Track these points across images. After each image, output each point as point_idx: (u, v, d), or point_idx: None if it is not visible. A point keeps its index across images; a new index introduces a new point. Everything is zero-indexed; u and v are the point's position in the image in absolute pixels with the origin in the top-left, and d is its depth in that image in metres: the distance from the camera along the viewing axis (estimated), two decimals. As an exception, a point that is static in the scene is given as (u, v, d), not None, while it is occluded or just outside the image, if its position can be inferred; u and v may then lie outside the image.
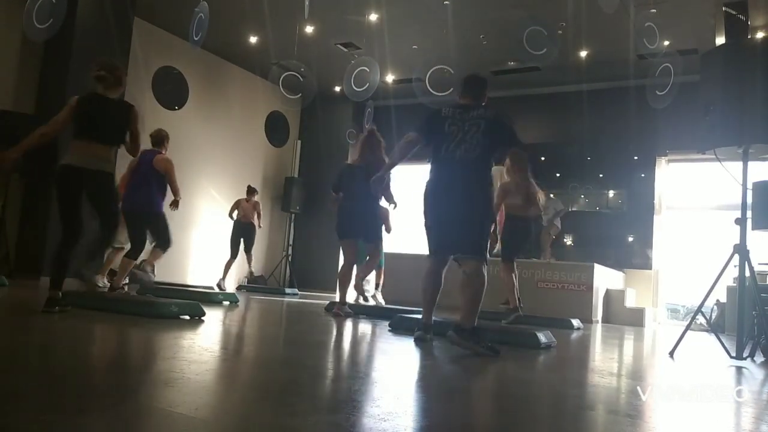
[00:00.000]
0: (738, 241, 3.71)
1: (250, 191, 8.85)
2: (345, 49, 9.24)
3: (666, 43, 7.78)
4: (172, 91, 9.29)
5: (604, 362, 3.60)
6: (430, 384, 2.23)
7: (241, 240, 8.39)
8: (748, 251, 3.70)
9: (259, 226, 8.72)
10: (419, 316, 4.21)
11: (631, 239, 9.44)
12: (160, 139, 5.59)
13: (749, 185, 3.85)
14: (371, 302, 6.57)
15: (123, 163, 4.77)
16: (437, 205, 3.37)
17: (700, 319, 4.36)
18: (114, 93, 3.73)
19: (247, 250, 8.47)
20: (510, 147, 4.23)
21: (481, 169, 3.31)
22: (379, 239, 5.48)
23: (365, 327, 4.36)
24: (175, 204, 5.33)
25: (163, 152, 5.59)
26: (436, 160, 3.38)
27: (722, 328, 7.22)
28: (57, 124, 3.69)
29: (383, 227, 5.78)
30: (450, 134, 3.31)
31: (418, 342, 3.37)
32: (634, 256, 9.31)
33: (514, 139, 3.54)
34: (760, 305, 3.78)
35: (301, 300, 7.56)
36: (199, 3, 6.32)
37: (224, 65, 10.34)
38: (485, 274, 3.18)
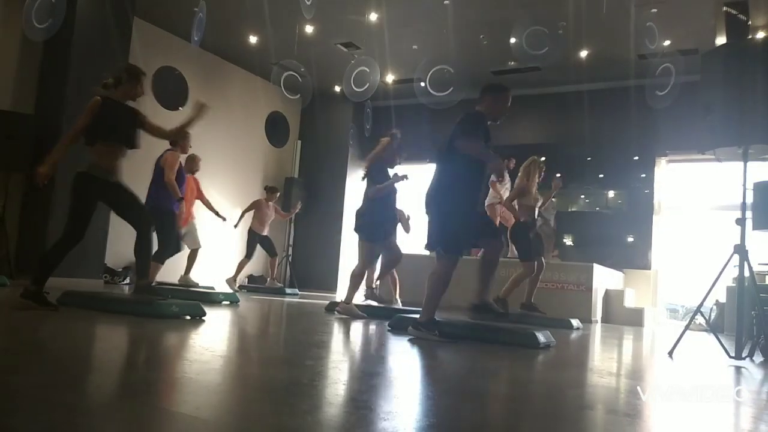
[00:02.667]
0: (738, 242, 3.72)
1: (272, 190, 8.87)
2: (345, 49, 9.25)
3: (666, 43, 7.79)
4: (172, 92, 9.30)
5: (604, 362, 3.60)
6: (429, 384, 2.23)
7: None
8: (747, 251, 3.71)
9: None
10: (418, 316, 4.23)
11: (630, 239, 9.44)
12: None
13: (749, 185, 3.86)
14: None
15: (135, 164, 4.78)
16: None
17: (700, 319, 4.37)
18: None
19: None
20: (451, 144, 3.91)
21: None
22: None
23: (365, 327, 4.36)
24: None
25: (177, 151, 5.71)
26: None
27: (721, 328, 7.23)
28: None
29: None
30: None
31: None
32: (633, 256, 9.32)
33: (454, 138, 3.71)
34: (759, 305, 3.79)
35: (301, 300, 7.57)
36: (199, 3, 6.33)
37: (224, 65, 10.35)
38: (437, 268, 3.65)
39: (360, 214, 5.32)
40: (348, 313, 5.12)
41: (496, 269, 3.89)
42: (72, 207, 3.79)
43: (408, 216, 6.76)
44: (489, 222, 4.11)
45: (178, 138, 5.59)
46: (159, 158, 5.69)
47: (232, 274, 8.32)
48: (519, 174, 6.05)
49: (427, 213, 3.83)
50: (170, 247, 5.61)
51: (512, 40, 6.69)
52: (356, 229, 5.30)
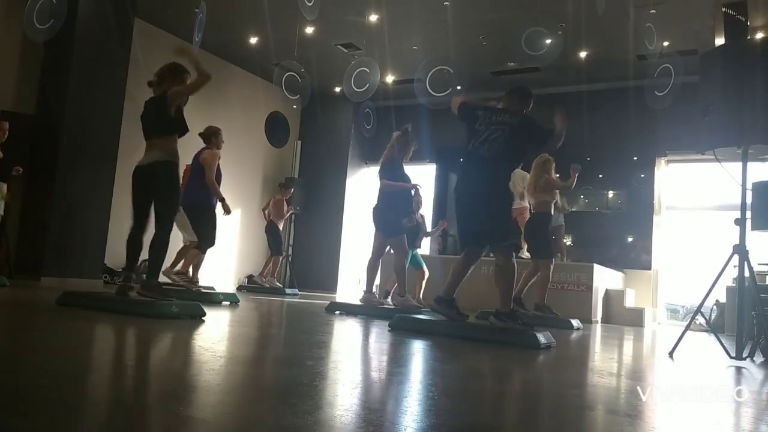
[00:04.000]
0: (737, 242, 3.72)
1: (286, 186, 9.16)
2: (345, 50, 9.25)
3: (666, 43, 7.79)
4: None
5: (604, 362, 3.60)
6: (430, 384, 2.23)
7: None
8: (747, 251, 3.71)
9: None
10: (419, 317, 4.26)
11: (630, 239, 9.44)
12: (207, 135, 5.88)
13: (749, 185, 3.86)
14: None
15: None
16: (457, 200, 3.98)
17: (700, 320, 4.37)
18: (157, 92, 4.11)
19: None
20: (541, 145, 4.29)
21: (496, 168, 3.86)
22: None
23: (365, 327, 4.36)
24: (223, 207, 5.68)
25: (213, 148, 5.85)
26: (464, 155, 3.99)
27: (722, 328, 7.23)
28: None
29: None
30: (478, 132, 3.89)
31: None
32: (633, 257, 9.32)
33: (544, 137, 3.97)
34: (759, 305, 3.79)
35: (301, 300, 7.57)
36: (200, 4, 6.33)
37: (225, 66, 10.34)
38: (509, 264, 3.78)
39: (376, 211, 5.61)
40: (367, 302, 5.48)
41: (513, 277, 3.88)
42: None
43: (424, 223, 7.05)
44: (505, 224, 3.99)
45: (211, 135, 5.88)
46: (197, 156, 5.85)
47: (265, 273, 8.73)
48: (535, 171, 6.00)
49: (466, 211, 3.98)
50: (210, 240, 5.82)
51: (511, 41, 6.70)
52: (377, 226, 5.62)
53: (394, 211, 5.51)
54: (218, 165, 5.96)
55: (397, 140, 5.60)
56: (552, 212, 6.01)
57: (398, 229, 5.52)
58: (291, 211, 9.17)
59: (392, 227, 5.52)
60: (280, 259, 9.05)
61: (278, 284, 8.96)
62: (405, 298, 5.53)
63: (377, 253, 5.65)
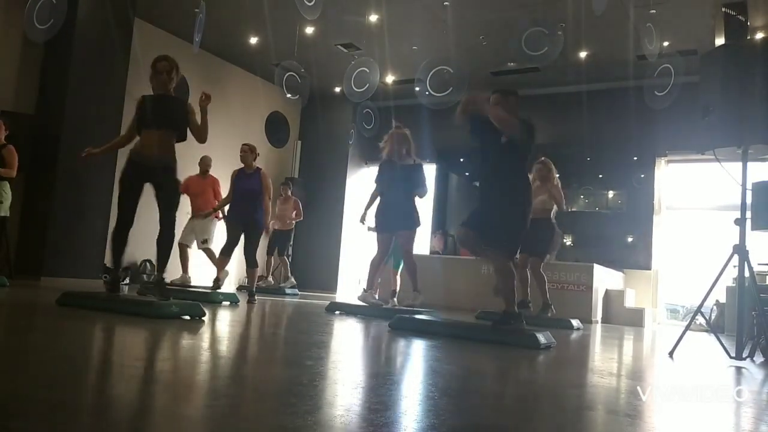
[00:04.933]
0: (737, 242, 3.72)
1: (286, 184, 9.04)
2: (345, 50, 9.25)
3: (666, 43, 7.78)
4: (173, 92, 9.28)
5: (604, 362, 3.60)
6: (430, 384, 2.23)
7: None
8: (747, 251, 3.71)
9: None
10: (418, 317, 4.25)
11: (630, 239, 9.44)
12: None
13: (749, 186, 3.86)
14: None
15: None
16: None
17: (700, 320, 4.37)
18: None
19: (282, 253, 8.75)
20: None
21: None
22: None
23: (365, 327, 4.36)
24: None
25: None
26: None
27: (722, 328, 7.23)
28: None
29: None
30: None
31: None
32: (633, 257, 9.32)
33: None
34: (759, 305, 3.78)
35: (301, 300, 7.56)
36: (199, 4, 6.33)
37: (225, 66, 10.34)
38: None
39: (393, 207, 5.60)
40: (365, 300, 5.42)
41: (507, 277, 3.80)
42: (119, 192, 4.07)
43: None
44: (496, 224, 3.79)
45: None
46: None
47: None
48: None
49: None
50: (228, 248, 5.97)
51: (511, 41, 6.70)
52: (394, 224, 5.60)
53: (378, 208, 5.54)
54: (246, 176, 6.00)
55: (391, 138, 5.61)
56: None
57: (376, 226, 5.55)
58: (294, 211, 8.95)
59: (411, 219, 5.51)
60: (272, 258, 8.86)
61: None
62: (368, 294, 5.54)
63: (383, 253, 5.61)
